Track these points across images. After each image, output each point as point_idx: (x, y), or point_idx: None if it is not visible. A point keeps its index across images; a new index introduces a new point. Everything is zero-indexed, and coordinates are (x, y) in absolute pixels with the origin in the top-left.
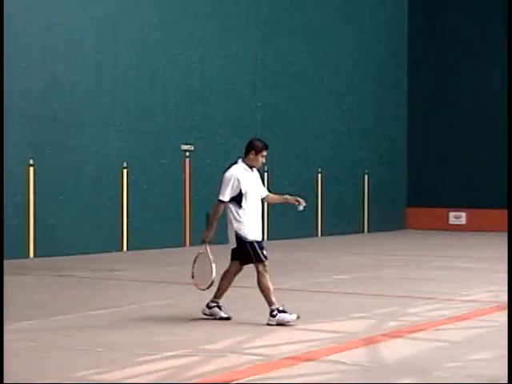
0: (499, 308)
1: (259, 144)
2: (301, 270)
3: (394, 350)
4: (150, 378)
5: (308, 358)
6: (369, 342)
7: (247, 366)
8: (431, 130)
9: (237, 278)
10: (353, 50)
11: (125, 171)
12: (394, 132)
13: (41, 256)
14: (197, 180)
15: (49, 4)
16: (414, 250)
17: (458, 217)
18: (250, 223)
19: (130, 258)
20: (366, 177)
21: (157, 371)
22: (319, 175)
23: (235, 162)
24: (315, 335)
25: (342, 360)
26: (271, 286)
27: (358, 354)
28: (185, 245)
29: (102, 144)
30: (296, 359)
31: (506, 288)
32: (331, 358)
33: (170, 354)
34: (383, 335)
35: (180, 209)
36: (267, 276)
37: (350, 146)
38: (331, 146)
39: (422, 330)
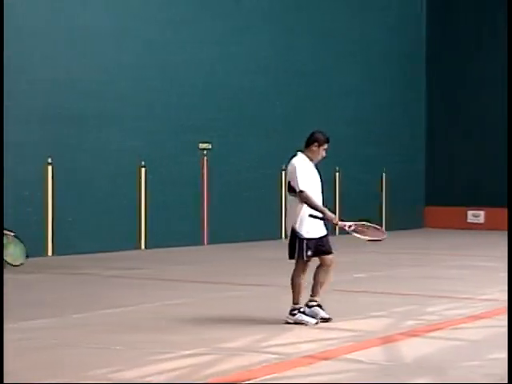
0: None
1: (322, 136)
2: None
3: (411, 349)
4: (166, 377)
5: (325, 357)
6: (386, 340)
7: (264, 364)
8: (449, 128)
9: (254, 277)
10: (372, 50)
11: (142, 170)
12: (413, 131)
13: (58, 254)
14: (214, 178)
15: (68, 4)
16: (432, 248)
17: (477, 215)
18: (309, 221)
19: (147, 256)
20: (384, 176)
21: (173, 370)
22: (337, 174)
23: (294, 155)
24: (333, 334)
25: (360, 359)
26: (303, 286)
27: (376, 353)
28: (202, 243)
29: (120, 143)
30: (313, 358)
31: None
32: (349, 356)
33: (186, 352)
34: (401, 334)
35: (198, 207)
36: (303, 275)
37: (369, 145)
38: (349, 145)
39: (439, 328)
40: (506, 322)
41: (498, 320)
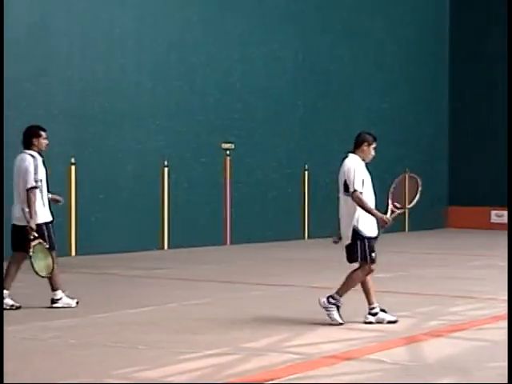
0: None
1: (370, 136)
2: (342, 268)
3: (434, 349)
4: (189, 376)
5: (348, 357)
6: (409, 341)
7: (287, 364)
8: (472, 128)
9: (276, 277)
10: (393, 49)
11: (165, 170)
12: (435, 130)
13: (82, 254)
14: (237, 178)
15: (89, 3)
16: (454, 248)
17: (500, 215)
18: (367, 217)
19: (170, 256)
20: (406, 176)
21: (196, 369)
22: None
23: (346, 157)
24: (355, 334)
25: (383, 359)
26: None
27: (399, 353)
28: (225, 243)
29: (143, 143)
30: (336, 358)
31: None
32: (371, 356)
33: (209, 352)
34: (424, 334)
35: (220, 207)
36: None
37: (391, 145)
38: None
39: (463, 329)
40: None
41: None
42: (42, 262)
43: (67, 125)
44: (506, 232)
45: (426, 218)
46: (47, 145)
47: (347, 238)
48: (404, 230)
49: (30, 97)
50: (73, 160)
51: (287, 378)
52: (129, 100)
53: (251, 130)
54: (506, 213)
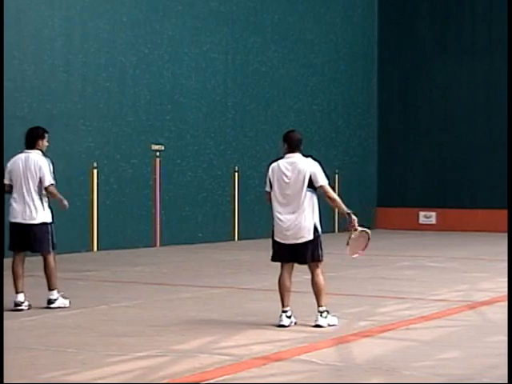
0: (468, 307)
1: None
2: (272, 269)
3: (364, 350)
4: (119, 379)
5: (278, 358)
6: (339, 341)
7: (217, 366)
8: (401, 130)
9: (207, 278)
10: (323, 50)
11: (95, 171)
12: (365, 132)
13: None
14: (167, 180)
15: (17, 3)
16: (383, 249)
17: (428, 216)
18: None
19: (100, 258)
20: (336, 177)
21: (126, 372)
22: None
23: (305, 157)
24: (286, 335)
25: (313, 360)
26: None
27: (329, 354)
28: (155, 245)
29: (72, 144)
30: (266, 359)
31: (474, 287)
32: (302, 357)
33: (139, 354)
34: (354, 335)
35: (150, 208)
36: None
37: (321, 146)
38: (302, 145)
39: (391, 329)
40: (456, 322)
41: (448, 320)
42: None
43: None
44: (434, 233)
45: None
46: (47, 146)
47: (305, 236)
48: (333, 231)
49: None
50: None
51: (218, 379)
52: (58, 101)
53: (182, 131)
54: (434, 214)
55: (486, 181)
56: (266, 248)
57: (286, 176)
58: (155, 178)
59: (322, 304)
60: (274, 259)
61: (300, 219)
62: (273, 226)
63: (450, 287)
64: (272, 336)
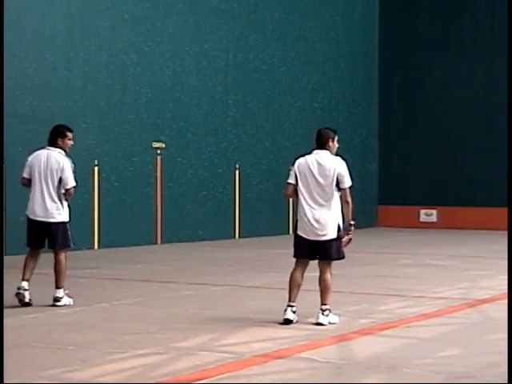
0: (469, 305)
1: (331, 131)
2: (273, 267)
3: (364, 347)
4: (120, 377)
5: (279, 356)
6: (340, 339)
7: (218, 363)
8: (402, 128)
9: (208, 276)
10: (324, 48)
11: (96, 169)
12: (366, 130)
13: (12, 254)
14: (168, 177)
15: (19, 2)
16: (384, 247)
17: (429, 214)
18: None
19: (101, 255)
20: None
21: (127, 369)
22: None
23: (308, 154)
24: (286, 333)
25: (314, 357)
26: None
27: (330, 352)
28: (156, 242)
29: (73, 141)
30: (267, 357)
31: (475, 285)
32: (303, 355)
33: (140, 352)
34: (354, 332)
35: (151, 206)
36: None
37: None
38: (303, 143)
39: (392, 327)
40: (457, 320)
41: (449, 318)
42: None
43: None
44: (435, 231)
45: (356, 217)
46: (72, 145)
47: (329, 234)
48: None
49: None
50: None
51: (218, 377)
52: (59, 99)
53: (183, 129)
54: (435, 212)
55: (487, 179)
56: (267, 246)
57: (313, 173)
58: (156, 176)
59: (327, 302)
60: (296, 255)
61: (325, 216)
62: (296, 220)
63: (450, 285)
64: (273, 334)
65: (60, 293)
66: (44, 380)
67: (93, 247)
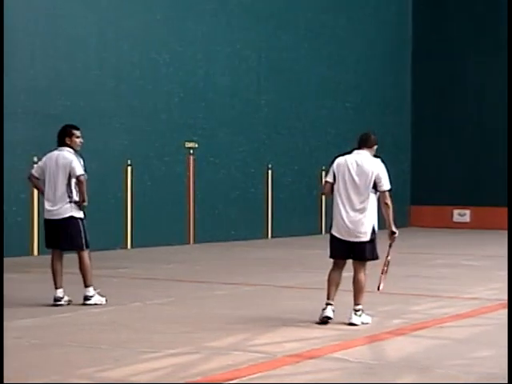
0: (502, 306)
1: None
2: (305, 267)
3: (397, 348)
4: (152, 376)
5: (311, 356)
6: (372, 339)
7: (250, 363)
8: (435, 127)
9: (240, 276)
10: (356, 48)
11: (129, 169)
12: (398, 130)
13: (44, 254)
14: (200, 177)
15: (51, 2)
16: (417, 247)
17: (462, 214)
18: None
19: (134, 255)
20: None
21: (159, 369)
22: (323, 173)
23: (350, 154)
24: (318, 333)
25: (346, 357)
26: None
27: (362, 352)
28: (188, 242)
29: (106, 142)
30: (299, 357)
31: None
32: (335, 355)
33: (172, 351)
34: (387, 333)
35: (184, 206)
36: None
37: (354, 144)
38: (335, 143)
39: (425, 327)
40: (490, 321)
41: (482, 319)
42: None
43: (30, 124)
44: (468, 231)
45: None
46: (81, 143)
47: (364, 235)
48: None
49: None
50: (35, 159)
51: (250, 376)
52: (92, 99)
53: (215, 129)
54: (468, 212)
55: None
56: (299, 246)
57: (351, 173)
58: (188, 176)
59: (360, 302)
60: (332, 256)
61: (360, 217)
62: (331, 219)
63: (484, 285)
64: (305, 334)
65: (90, 291)
66: (78, 379)
67: (126, 247)
